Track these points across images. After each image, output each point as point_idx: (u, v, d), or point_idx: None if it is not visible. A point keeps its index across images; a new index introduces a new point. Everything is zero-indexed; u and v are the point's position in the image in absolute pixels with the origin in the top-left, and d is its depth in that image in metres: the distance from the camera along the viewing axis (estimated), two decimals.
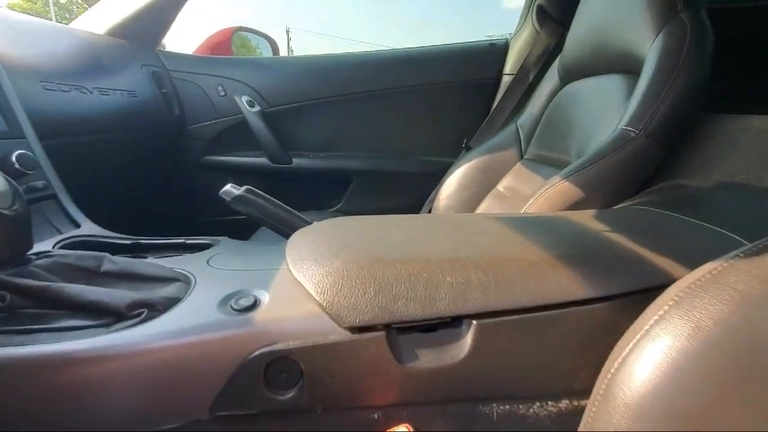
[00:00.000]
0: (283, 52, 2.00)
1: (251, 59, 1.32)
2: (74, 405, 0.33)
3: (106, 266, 0.42)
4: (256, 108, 1.23)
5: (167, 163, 1.21)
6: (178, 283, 0.42)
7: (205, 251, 0.52)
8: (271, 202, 0.60)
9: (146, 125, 1.06)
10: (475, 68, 1.27)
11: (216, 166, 1.27)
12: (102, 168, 0.91)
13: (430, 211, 1.09)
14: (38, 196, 0.54)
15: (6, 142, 0.52)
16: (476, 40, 1.35)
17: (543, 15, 1.16)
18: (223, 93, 1.23)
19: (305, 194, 1.32)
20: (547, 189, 0.60)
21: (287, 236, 0.59)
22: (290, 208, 0.62)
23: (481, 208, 0.96)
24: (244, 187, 0.60)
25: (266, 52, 1.60)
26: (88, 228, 0.58)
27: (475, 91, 1.27)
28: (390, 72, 1.28)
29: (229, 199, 0.59)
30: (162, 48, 1.22)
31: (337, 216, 0.53)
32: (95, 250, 0.55)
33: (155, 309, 0.37)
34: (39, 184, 0.54)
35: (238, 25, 1.57)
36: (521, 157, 0.99)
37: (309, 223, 0.61)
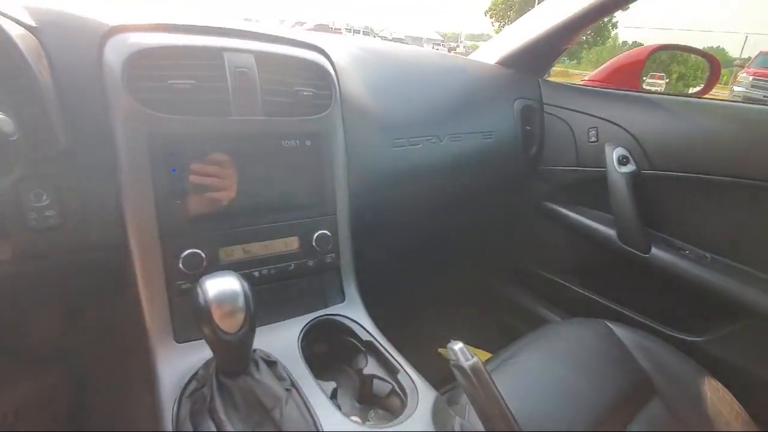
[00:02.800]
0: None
1: (647, 97, 0.96)
2: None
3: (275, 413, 0.42)
4: (629, 167, 0.92)
5: (503, 204, 1.15)
6: None
7: (380, 427, 0.44)
8: (494, 405, 0.43)
9: (493, 165, 1.02)
10: None
11: (555, 216, 1.09)
12: (431, 212, 0.96)
13: None
14: (323, 268, 0.62)
15: (311, 221, 0.61)
16: None
17: None
18: (594, 139, 0.99)
19: (654, 302, 0.93)
20: None
21: None
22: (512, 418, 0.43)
23: None
24: (473, 360, 0.45)
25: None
26: (348, 304, 0.62)
27: None
28: None
29: (451, 358, 0.47)
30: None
31: None
32: (334, 333, 0.60)
33: None
34: (328, 258, 0.62)
35: (667, 42, 1.16)
36: None
37: None
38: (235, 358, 0.44)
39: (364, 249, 0.69)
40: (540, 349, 0.77)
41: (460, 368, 0.46)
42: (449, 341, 0.48)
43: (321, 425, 0.42)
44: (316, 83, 0.61)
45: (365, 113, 0.75)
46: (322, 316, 0.59)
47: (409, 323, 0.94)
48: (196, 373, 0.48)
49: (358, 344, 0.58)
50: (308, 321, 0.57)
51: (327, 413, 0.44)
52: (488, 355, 0.88)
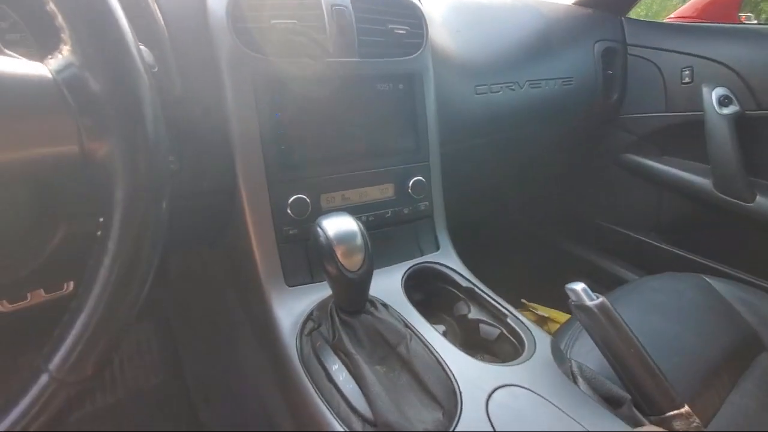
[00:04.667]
0: None
1: (752, 29, 0.86)
2: None
3: (401, 349, 0.42)
4: (731, 108, 0.83)
5: (579, 154, 1.09)
6: (439, 418, 0.37)
7: (502, 366, 0.43)
8: (627, 342, 0.41)
9: (572, 114, 0.96)
10: None
11: (637, 169, 1.02)
12: (503, 161, 0.92)
13: None
14: (417, 216, 0.61)
15: (407, 167, 0.59)
16: None
17: None
18: (688, 80, 0.90)
19: (755, 255, 0.86)
20: None
21: (617, 403, 0.41)
22: (654, 364, 0.41)
23: None
24: (599, 300, 0.43)
25: None
26: (443, 253, 0.61)
27: None
28: None
29: (574, 301, 0.45)
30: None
31: None
32: (434, 280, 0.59)
33: None
34: (422, 206, 0.61)
35: None
36: None
37: (678, 406, 0.39)
38: (356, 296, 0.44)
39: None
40: (634, 302, 0.73)
41: (585, 308, 0.44)
42: (570, 282, 0.46)
43: (445, 362, 0.42)
44: (409, 21, 0.58)
45: (447, 58, 0.72)
46: (418, 264, 0.59)
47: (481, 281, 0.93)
48: (311, 314, 0.48)
49: (457, 292, 0.57)
50: (408, 268, 0.57)
51: (448, 351, 0.44)
52: (567, 316, 0.85)
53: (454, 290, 0.57)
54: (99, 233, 0.25)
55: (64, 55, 0.23)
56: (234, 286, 0.70)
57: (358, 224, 0.42)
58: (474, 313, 0.54)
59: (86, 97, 0.23)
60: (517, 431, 0.36)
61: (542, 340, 0.47)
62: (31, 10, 0.24)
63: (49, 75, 0.23)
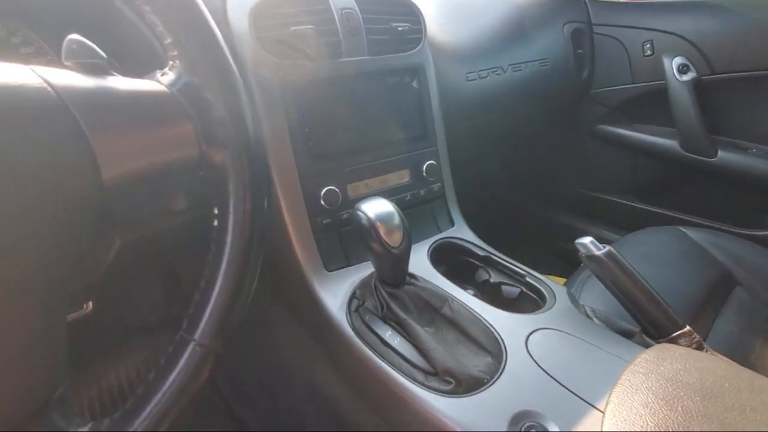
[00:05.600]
0: None
1: (703, 2, 0.95)
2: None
3: (445, 310, 0.48)
4: (689, 75, 0.93)
5: (557, 130, 1.17)
6: (489, 361, 0.43)
7: (531, 314, 0.50)
8: (633, 280, 0.48)
9: (549, 93, 1.04)
10: None
11: (611, 138, 1.11)
12: (492, 142, 0.99)
13: None
14: (432, 197, 0.66)
15: (419, 153, 0.65)
16: None
17: None
18: (649, 52, 0.99)
19: (721, 205, 0.97)
20: None
21: (629, 334, 0.48)
22: (658, 296, 0.48)
23: None
24: (606, 249, 0.50)
25: None
26: (458, 228, 0.67)
27: None
28: None
29: (584, 253, 0.52)
30: None
31: None
32: (451, 254, 0.65)
33: (459, 385, 0.41)
34: (435, 187, 0.66)
35: None
36: None
37: (681, 326, 0.46)
38: (399, 269, 0.49)
39: None
40: (624, 255, 0.81)
41: (595, 257, 0.51)
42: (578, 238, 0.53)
43: (483, 317, 0.48)
44: (408, 18, 0.63)
45: (439, 49, 0.77)
46: (438, 240, 0.64)
47: None
48: (354, 293, 0.53)
49: (476, 261, 0.63)
50: (430, 244, 0.62)
51: (483, 308, 0.50)
52: (562, 280, 0.94)
53: (473, 260, 0.63)
54: (215, 222, 0.29)
55: (175, 69, 0.28)
56: (263, 281, 0.74)
57: (393, 205, 0.47)
58: (495, 277, 0.60)
59: (202, 103, 0.27)
60: (555, 360, 0.42)
61: (560, 291, 0.54)
62: (138, 32, 0.28)
63: (165, 89, 0.27)
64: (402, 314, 0.47)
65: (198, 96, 0.27)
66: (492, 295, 0.59)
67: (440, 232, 0.66)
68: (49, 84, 0.23)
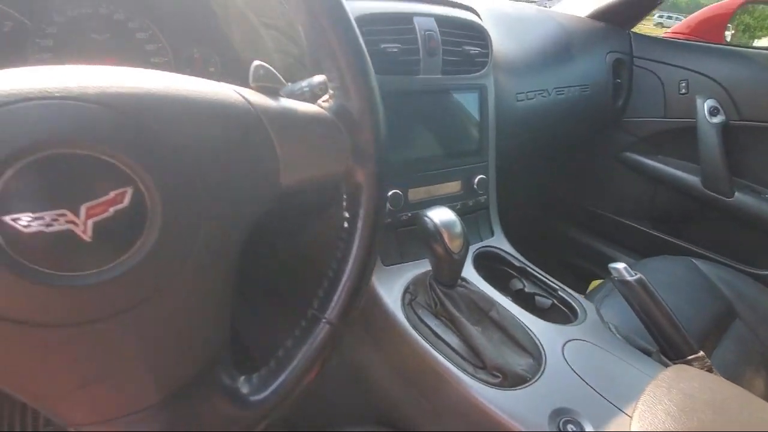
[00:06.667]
0: None
1: (738, 51, 1.01)
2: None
3: (492, 313, 0.55)
4: (719, 118, 0.99)
5: (585, 153, 1.23)
6: (530, 362, 0.50)
7: (566, 326, 0.57)
8: (658, 306, 0.55)
9: (585, 117, 1.09)
10: None
11: (636, 166, 1.17)
12: (528, 160, 1.05)
13: None
14: (477, 207, 0.73)
15: (473, 167, 0.71)
16: None
17: None
18: (684, 90, 1.05)
19: (731, 242, 1.04)
20: None
21: (647, 352, 0.55)
22: (678, 322, 0.55)
23: None
24: (637, 276, 0.57)
25: None
26: (497, 238, 0.74)
27: None
28: None
29: (615, 277, 0.58)
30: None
31: None
32: (489, 262, 0.71)
33: (506, 380, 0.48)
34: (482, 199, 0.72)
35: None
36: None
37: (695, 351, 0.53)
38: (456, 272, 0.55)
39: None
40: None
41: (626, 282, 0.57)
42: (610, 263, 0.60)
43: (524, 323, 0.55)
44: (478, 42, 0.68)
45: (496, 70, 0.83)
46: (480, 248, 0.71)
47: None
48: (407, 287, 0.60)
49: (511, 271, 0.70)
50: (473, 251, 0.69)
51: (523, 315, 0.56)
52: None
53: (509, 270, 0.70)
54: (345, 224, 0.35)
55: (335, 99, 0.33)
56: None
57: (456, 215, 0.54)
58: (529, 288, 0.67)
59: (353, 126, 0.33)
60: (588, 368, 0.49)
61: (589, 307, 0.61)
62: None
63: (326, 113, 0.33)
64: (455, 312, 0.54)
65: (350, 119, 0.33)
66: (525, 303, 0.66)
67: (481, 240, 0.72)
68: (247, 101, 0.29)
